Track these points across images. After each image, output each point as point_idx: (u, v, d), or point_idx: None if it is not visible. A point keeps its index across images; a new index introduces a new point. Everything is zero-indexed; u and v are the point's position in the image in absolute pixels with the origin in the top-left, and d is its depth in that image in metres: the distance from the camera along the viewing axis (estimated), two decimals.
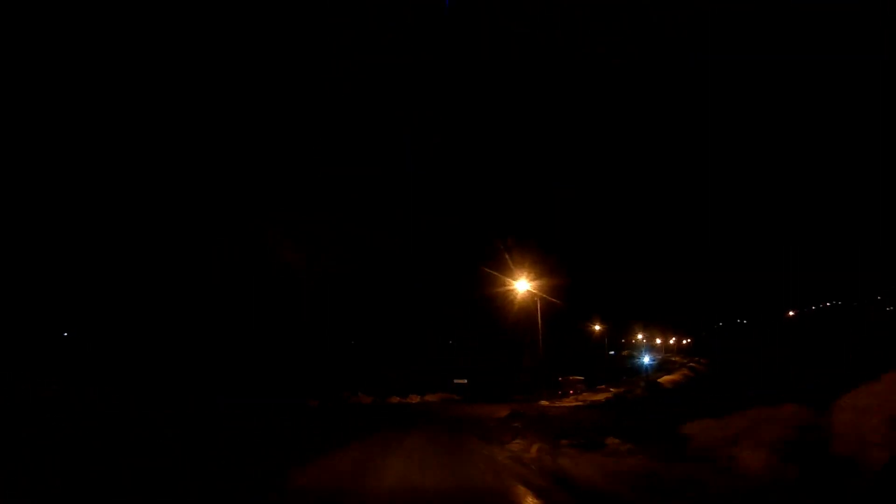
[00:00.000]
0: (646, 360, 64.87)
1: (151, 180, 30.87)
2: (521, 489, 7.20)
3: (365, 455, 10.04)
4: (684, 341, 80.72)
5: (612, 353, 71.13)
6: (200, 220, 32.22)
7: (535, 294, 29.48)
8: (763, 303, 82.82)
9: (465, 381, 37.52)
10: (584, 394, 32.84)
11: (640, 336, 70.50)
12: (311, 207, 35.05)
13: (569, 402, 28.06)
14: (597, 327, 51.31)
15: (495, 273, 30.05)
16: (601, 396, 30.53)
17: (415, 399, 33.47)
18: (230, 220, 32.67)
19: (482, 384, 37.35)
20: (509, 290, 30.23)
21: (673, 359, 71.23)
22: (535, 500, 6.62)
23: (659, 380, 37.03)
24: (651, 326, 69.74)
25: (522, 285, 29.18)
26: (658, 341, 79.82)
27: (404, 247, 39.35)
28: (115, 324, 29.82)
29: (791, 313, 78.74)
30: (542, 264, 30.66)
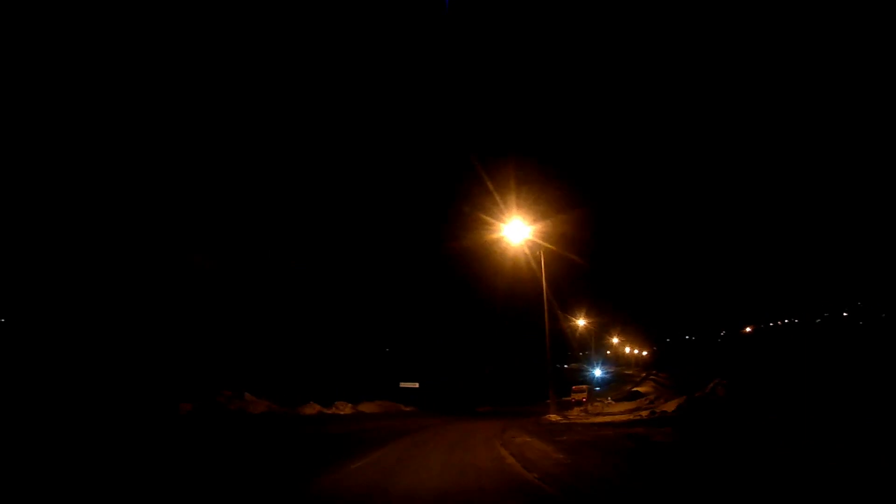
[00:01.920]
0: (597, 373, 57.37)
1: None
2: None
3: None
4: (643, 353, 74.06)
5: (565, 365, 63.20)
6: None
7: (536, 245, 19.27)
8: (719, 318, 79.60)
9: (416, 384, 26.51)
10: (596, 404, 22.98)
11: (615, 340, 62.41)
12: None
13: (585, 418, 17.99)
14: (581, 322, 41.19)
15: (470, 214, 19.68)
16: (622, 408, 20.92)
17: (345, 409, 21.99)
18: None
19: (439, 390, 26.79)
20: (497, 241, 19.90)
21: (627, 372, 64.54)
22: None
23: None
24: (624, 332, 62.15)
25: (516, 232, 18.85)
26: (609, 352, 73.18)
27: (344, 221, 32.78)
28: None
29: (748, 329, 76.05)
30: (549, 198, 20.70)
